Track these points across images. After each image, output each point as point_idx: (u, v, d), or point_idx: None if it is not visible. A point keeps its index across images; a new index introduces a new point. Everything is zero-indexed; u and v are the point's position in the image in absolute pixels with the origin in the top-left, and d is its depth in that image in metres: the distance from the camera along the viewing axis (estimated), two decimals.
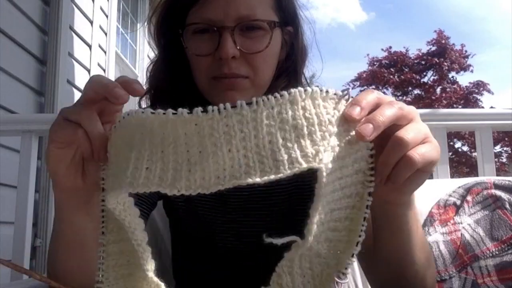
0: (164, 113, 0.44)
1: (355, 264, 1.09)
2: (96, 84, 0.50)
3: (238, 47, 0.72)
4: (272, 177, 0.43)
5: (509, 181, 1.12)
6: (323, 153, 0.44)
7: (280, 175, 0.43)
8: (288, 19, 0.82)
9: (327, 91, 0.47)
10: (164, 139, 0.44)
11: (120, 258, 0.50)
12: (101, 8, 3.58)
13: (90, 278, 0.52)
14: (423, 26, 34.39)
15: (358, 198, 0.47)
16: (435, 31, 16.08)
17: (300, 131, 0.44)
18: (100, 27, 3.56)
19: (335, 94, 0.47)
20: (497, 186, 1.11)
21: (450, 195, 1.12)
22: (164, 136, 0.44)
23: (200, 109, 0.43)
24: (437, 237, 1.05)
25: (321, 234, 0.46)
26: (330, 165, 0.44)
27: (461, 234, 1.05)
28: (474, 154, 13.43)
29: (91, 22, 3.37)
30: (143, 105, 0.88)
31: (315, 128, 0.45)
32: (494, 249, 1.03)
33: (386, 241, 0.59)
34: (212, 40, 0.74)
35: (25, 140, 1.51)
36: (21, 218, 1.46)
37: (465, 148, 15.28)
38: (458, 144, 15.43)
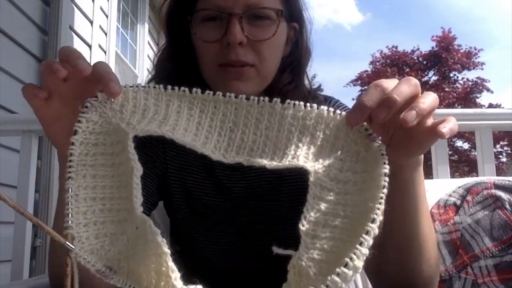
0: (211, 93, 0.54)
1: None
2: (102, 68, 0.52)
3: (245, 34, 0.74)
4: (275, 163, 0.51)
5: (509, 181, 1.12)
6: (321, 165, 0.50)
7: (280, 165, 0.51)
8: (293, 14, 0.84)
9: (365, 128, 0.51)
10: (202, 112, 0.54)
11: (93, 204, 0.49)
12: (101, 8, 3.58)
13: None
14: (422, 26, 34.47)
15: (363, 221, 0.47)
16: (442, 27, 16.06)
17: (315, 140, 0.52)
18: (100, 27, 3.56)
19: (369, 134, 0.51)
20: (497, 186, 1.11)
21: (450, 195, 1.12)
22: (203, 110, 0.54)
23: (244, 95, 0.54)
24: (437, 237, 1.05)
25: (318, 245, 0.47)
26: (322, 178, 0.50)
27: (461, 234, 1.05)
28: (474, 153, 13.43)
29: (91, 22, 3.37)
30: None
31: (327, 144, 0.52)
32: (494, 249, 1.03)
33: (395, 207, 0.59)
34: (220, 26, 0.76)
35: (25, 140, 1.51)
36: (21, 218, 1.46)
37: (466, 146, 15.30)
38: (458, 143, 15.44)
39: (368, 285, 0.99)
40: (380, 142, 0.51)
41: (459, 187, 1.13)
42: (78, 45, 3.11)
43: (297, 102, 0.53)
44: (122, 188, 0.50)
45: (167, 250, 0.45)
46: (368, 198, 0.48)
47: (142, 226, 0.47)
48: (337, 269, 0.43)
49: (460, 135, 14.51)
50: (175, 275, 0.45)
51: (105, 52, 3.68)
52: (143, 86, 0.54)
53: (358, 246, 0.44)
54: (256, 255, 0.79)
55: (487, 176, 1.37)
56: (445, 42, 15.66)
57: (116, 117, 0.52)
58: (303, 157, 0.51)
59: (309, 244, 0.47)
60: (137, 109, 0.53)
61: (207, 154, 0.52)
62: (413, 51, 15.70)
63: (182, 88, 0.54)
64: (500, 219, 1.06)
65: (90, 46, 3.33)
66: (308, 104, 0.53)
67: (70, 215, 0.47)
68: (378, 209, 0.46)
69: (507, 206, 1.07)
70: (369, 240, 0.45)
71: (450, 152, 14.01)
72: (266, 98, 0.53)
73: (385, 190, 0.48)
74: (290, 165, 0.51)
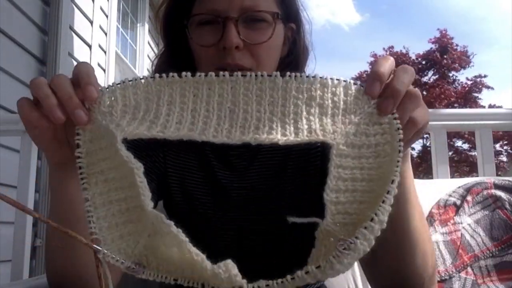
0: (202, 75, 0.52)
1: (355, 264, 1.09)
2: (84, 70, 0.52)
3: (241, 37, 0.74)
4: (291, 138, 0.49)
5: (509, 181, 1.12)
6: (339, 133, 0.50)
7: (298, 140, 0.49)
8: (290, 15, 0.84)
9: (362, 85, 0.52)
10: (197, 96, 0.52)
11: (111, 207, 0.51)
12: (101, 8, 3.59)
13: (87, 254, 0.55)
14: (421, 26, 34.37)
15: (382, 186, 0.49)
16: (438, 29, 16.11)
17: (325, 110, 0.51)
18: (100, 27, 3.56)
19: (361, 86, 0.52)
20: (497, 186, 1.11)
21: (450, 195, 1.12)
22: (197, 94, 0.52)
23: (240, 72, 0.51)
24: (437, 237, 1.05)
25: (342, 210, 0.49)
26: (340, 147, 0.49)
27: (461, 234, 1.05)
28: (474, 153, 13.43)
29: (91, 22, 3.37)
30: None
31: (339, 111, 0.51)
32: (494, 249, 1.03)
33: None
34: (216, 30, 0.75)
35: (25, 140, 1.51)
36: (21, 218, 1.46)
37: (466, 146, 15.30)
38: (458, 143, 15.45)
39: (368, 286, 0.99)
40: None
41: (459, 187, 1.13)
42: (78, 45, 3.11)
43: (298, 74, 0.51)
44: (131, 187, 0.50)
45: (185, 238, 0.46)
46: (384, 161, 0.50)
47: (155, 221, 0.47)
48: (364, 223, 0.45)
49: (460, 135, 14.52)
50: (201, 257, 0.46)
51: (105, 52, 3.68)
52: (130, 81, 0.52)
53: (381, 204, 0.46)
54: (256, 255, 0.79)
55: (487, 176, 1.37)
56: (443, 42, 15.69)
57: (106, 119, 0.51)
58: (320, 130, 0.50)
59: (333, 211, 0.48)
60: (127, 108, 0.52)
61: (207, 140, 0.50)
62: (407, 53, 15.77)
63: (171, 74, 0.52)
64: (500, 219, 1.06)
65: (90, 46, 3.33)
66: (310, 74, 0.52)
67: (92, 222, 0.49)
68: (396, 171, 0.48)
69: (507, 206, 1.07)
70: (390, 198, 0.46)
71: (450, 152, 14.01)
72: (265, 73, 0.51)
73: (401, 154, 0.49)
74: (310, 139, 0.49)
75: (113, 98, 0.52)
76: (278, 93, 0.51)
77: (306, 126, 0.50)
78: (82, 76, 0.52)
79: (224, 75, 0.51)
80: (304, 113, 0.51)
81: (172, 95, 0.52)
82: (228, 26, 0.74)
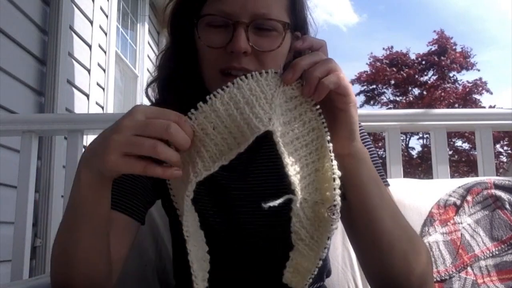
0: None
1: (355, 265, 1.09)
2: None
3: (250, 44, 0.74)
4: (246, 144, 0.56)
5: (509, 181, 1.12)
6: (274, 119, 0.57)
7: (248, 142, 0.56)
8: (298, 23, 0.84)
9: (266, 72, 0.60)
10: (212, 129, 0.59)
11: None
12: (101, 8, 3.59)
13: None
14: (419, 26, 34.37)
15: (324, 149, 0.60)
16: (435, 31, 16.15)
17: (252, 105, 0.57)
18: (100, 27, 3.56)
19: (275, 72, 0.60)
20: (497, 186, 1.11)
21: (450, 195, 1.12)
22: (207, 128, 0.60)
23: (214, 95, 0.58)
24: (437, 237, 1.05)
25: (309, 186, 0.58)
26: (279, 128, 0.57)
27: (461, 234, 1.05)
28: (474, 152, 13.43)
29: (91, 22, 3.37)
30: (150, 92, 0.89)
31: (263, 101, 0.58)
32: (494, 249, 1.03)
33: (352, 198, 0.67)
34: (225, 33, 0.75)
35: (25, 140, 1.51)
36: (21, 218, 1.46)
37: (466, 146, 15.30)
38: (458, 143, 15.45)
39: (367, 286, 0.99)
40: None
41: (459, 187, 1.13)
42: (78, 45, 3.11)
43: (215, 92, 0.58)
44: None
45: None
46: (310, 125, 0.60)
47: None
48: (331, 185, 0.57)
49: (460, 135, 14.52)
50: None
51: (105, 52, 3.68)
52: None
53: (331, 162, 0.58)
54: (255, 255, 0.79)
55: (487, 176, 1.37)
56: (442, 43, 15.72)
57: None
58: (259, 123, 0.56)
59: (300, 185, 0.57)
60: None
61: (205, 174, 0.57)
62: (407, 53, 15.79)
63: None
64: (500, 219, 1.06)
65: (90, 46, 3.33)
66: (223, 86, 0.58)
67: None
68: (323, 123, 0.60)
69: (507, 206, 1.07)
70: (331, 154, 0.59)
71: (450, 152, 14.02)
72: (199, 104, 0.58)
73: (326, 129, 0.60)
74: (255, 136, 0.56)
75: None
76: (212, 116, 0.58)
77: (246, 126, 0.57)
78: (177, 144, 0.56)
79: (201, 106, 0.58)
80: (239, 117, 0.57)
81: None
82: (238, 30, 0.73)
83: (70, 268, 0.67)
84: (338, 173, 0.57)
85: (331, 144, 0.59)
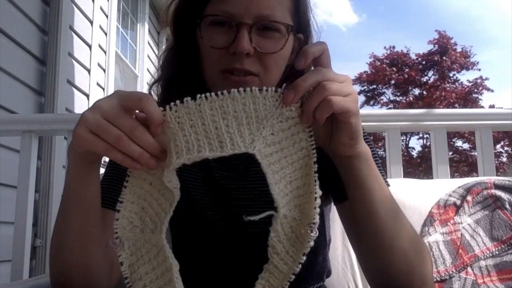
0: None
1: (355, 265, 1.09)
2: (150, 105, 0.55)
3: (253, 45, 0.74)
4: (218, 154, 0.55)
5: (509, 181, 1.12)
6: (257, 141, 0.57)
7: (224, 154, 0.55)
8: (301, 26, 0.83)
9: (266, 90, 0.58)
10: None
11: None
12: (101, 8, 3.59)
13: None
14: (419, 26, 34.36)
15: (308, 167, 0.59)
16: (437, 30, 16.15)
17: (240, 122, 0.57)
18: (100, 27, 3.56)
19: (275, 91, 0.58)
20: (497, 186, 1.11)
21: (450, 195, 1.12)
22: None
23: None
24: (437, 237, 1.05)
25: (290, 202, 0.58)
26: (263, 150, 0.57)
27: (461, 234, 1.05)
28: (474, 153, 13.43)
29: (91, 22, 3.37)
30: (153, 91, 0.89)
31: (253, 120, 0.57)
32: (494, 249, 1.03)
33: (352, 197, 0.68)
34: (228, 34, 0.75)
35: (25, 140, 1.51)
36: (21, 218, 1.46)
37: (466, 146, 15.30)
38: (458, 143, 15.45)
39: (367, 286, 0.99)
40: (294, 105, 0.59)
41: (459, 187, 1.13)
42: (78, 45, 3.11)
43: (208, 94, 0.56)
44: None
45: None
46: (301, 144, 0.59)
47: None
48: (312, 204, 0.57)
49: (460, 135, 14.52)
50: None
51: (105, 52, 3.68)
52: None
53: (315, 178, 0.58)
54: (255, 255, 0.79)
55: (487, 176, 1.37)
56: (442, 43, 15.72)
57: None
58: (241, 142, 0.56)
59: (282, 202, 0.58)
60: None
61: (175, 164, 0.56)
62: (408, 53, 15.79)
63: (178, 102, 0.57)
64: (500, 219, 1.06)
65: (90, 46, 3.33)
66: (218, 92, 0.57)
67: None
68: (312, 145, 0.59)
69: (507, 206, 1.07)
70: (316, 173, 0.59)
71: (450, 152, 14.01)
72: (178, 101, 0.56)
73: (314, 150, 0.59)
74: (234, 152, 0.56)
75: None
76: (195, 115, 0.56)
77: (228, 139, 0.56)
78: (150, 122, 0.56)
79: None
80: (224, 127, 0.56)
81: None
82: (242, 31, 0.73)
83: (63, 253, 0.69)
84: (319, 192, 0.58)
85: (316, 165, 0.59)
